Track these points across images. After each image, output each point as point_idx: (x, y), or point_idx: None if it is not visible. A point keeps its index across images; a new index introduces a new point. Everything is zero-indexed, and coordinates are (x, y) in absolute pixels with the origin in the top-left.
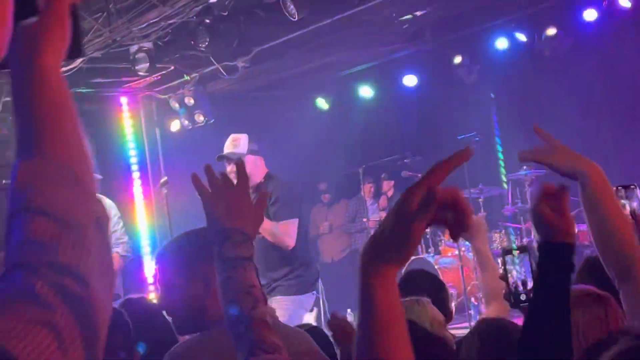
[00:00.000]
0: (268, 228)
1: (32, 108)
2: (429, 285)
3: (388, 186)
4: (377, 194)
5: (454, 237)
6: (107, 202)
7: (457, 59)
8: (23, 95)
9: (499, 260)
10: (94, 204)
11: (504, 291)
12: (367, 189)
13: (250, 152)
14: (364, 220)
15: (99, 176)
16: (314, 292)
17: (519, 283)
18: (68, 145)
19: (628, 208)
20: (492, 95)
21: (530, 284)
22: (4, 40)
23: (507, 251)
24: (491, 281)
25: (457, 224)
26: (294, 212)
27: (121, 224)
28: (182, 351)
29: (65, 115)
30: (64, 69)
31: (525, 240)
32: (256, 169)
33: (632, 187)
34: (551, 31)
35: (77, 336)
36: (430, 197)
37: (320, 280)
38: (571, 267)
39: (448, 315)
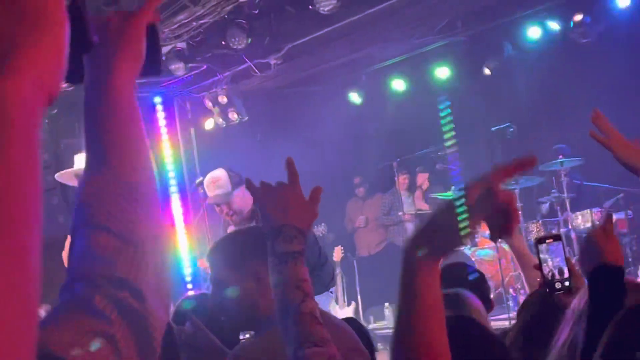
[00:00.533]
0: None
1: (102, 127)
2: (472, 280)
3: (422, 179)
4: (412, 187)
5: (495, 238)
6: None
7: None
8: (94, 114)
9: (534, 249)
10: (156, 221)
11: (539, 280)
12: (401, 181)
13: (235, 185)
14: (400, 213)
15: None
16: (331, 291)
17: (555, 271)
18: (134, 164)
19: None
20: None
21: (565, 272)
22: (58, 80)
23: (540, 240)
24: (534, 277)
25: (504, 228)
26: None
27: None
28: (238, 353)
29: (133, 134)
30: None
31: (561, 231)
32: (243, 201)
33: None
34: (581, 18)
35: (134, 349)
36: (489, 195)
37: (356, 274)
38: (623, 289)
39: (489, 306)
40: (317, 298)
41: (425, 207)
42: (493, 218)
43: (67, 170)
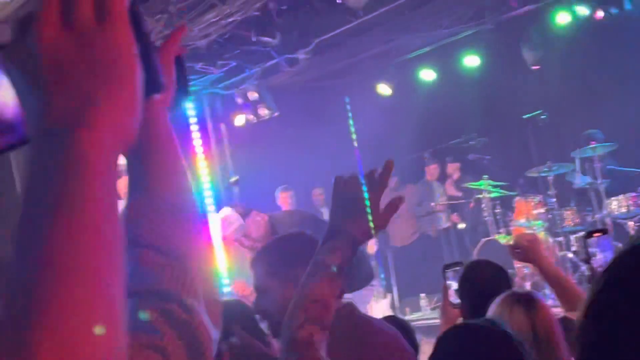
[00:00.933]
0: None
1: (142, 156)
2: (493, 273)
3: (453, 169)
4: (442, 177)
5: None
6: None
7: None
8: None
9: (577, 243)
10: (196, 238)
11: (587, 274)
12: (431, 171)
13: (243, 216)
14: (432, 204)
15: None
16: (372, 284)
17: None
18: (172, 187)
19: None
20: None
21: None
22: (134, 128)
23: (588, 234)
24: (570, 295)
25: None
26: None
27: None
28: None
29: (171, 160)
30: None
31: (597, 217)
32: (258, 227)
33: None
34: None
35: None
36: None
37: (391, 266)
38: None
39: None
40: (358, 292)
41: (457, 194)
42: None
43: None
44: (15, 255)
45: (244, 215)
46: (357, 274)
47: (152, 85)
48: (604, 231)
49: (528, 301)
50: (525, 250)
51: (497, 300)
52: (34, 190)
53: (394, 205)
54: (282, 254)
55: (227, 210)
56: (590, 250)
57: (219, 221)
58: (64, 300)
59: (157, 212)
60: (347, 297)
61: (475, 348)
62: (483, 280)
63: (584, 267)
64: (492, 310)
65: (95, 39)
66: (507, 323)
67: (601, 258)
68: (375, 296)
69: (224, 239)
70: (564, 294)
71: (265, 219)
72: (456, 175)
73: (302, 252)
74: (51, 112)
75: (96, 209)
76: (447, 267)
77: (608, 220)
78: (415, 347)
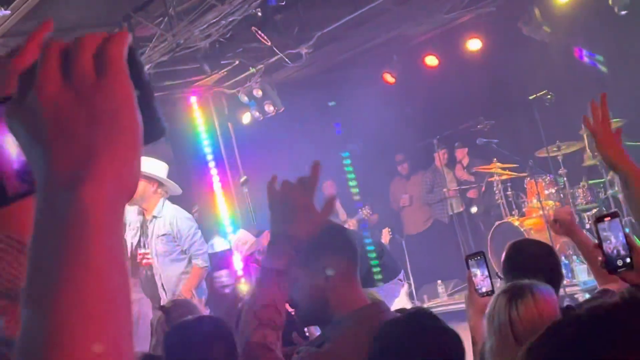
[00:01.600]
0: None
1: None
2: (540, 251)
3: (462, 154)
4: (451, 163)
5: None
6: (185, 214)
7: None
8: None
9: (592, 228)
10: None
11: (600, 259)
12: (439, 156)
13: (256, 234)
14: (444, 190)
15: (179, 190)
16: (400, 278)
17: (619, 249)
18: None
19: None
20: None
21: (627, 250)
22: (136, 179)
23: (599, 219)
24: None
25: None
26: None
27: (199, 234)
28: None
29: None
30: None
31: (608, 193)
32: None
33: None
34: None
35: None
36: None
37: (406, 254)
38: None
39: (561, 279)
40: (387, 287)
41: (468, 178)
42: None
43: None
44: (25, 318)
45: (258, 235)
46: (384, 267)
47: (153, 132)
48: (613, 214)
49: (514, 294)
50: (567, 224)
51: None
52: (41, 249)
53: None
54: (311, 242)
55: (241, 233)
56: (603, 234)
57: (235, 243)
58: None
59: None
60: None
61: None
62: (528, 259)
63: None
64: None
65: (95, 93)
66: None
67: (613, 242)
68: (403, 292)
69: (244, 261)
70: (596, 265)
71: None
72: (465, 160)
73: (329, 242)
74: (53, 167)
75: (103, 263)
76: (470, 257)
77: (620, 197)
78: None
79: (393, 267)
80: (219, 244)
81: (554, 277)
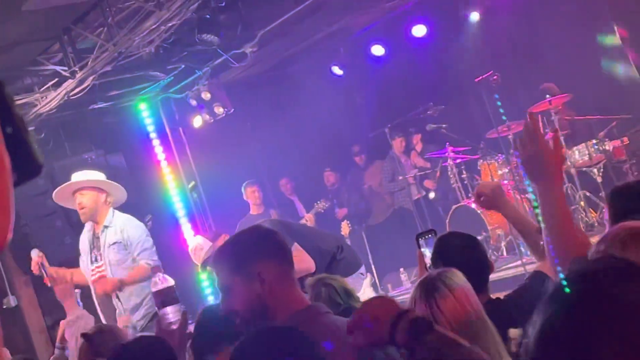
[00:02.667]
0: None
1: None
2: (462, 243)
3: (416, 140)
4: (408, 150)
5: None
6: (136, 222)
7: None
8: None
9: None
10: None
11: (542, 243)
12: (397, 144)
13: (212, 239)
14: (400, 178)
15: (125, 196)
16: (361, 271)
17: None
18: None
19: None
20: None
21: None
22: (6, 233)
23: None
24: (537, 238)
25: None
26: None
27: (150, 242)
28: None
29: None
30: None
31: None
32: None
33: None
34: None
35: None
36: None
37: (367, 245)
38: None
39: (489, 269)
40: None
41: (424, 164)
42: None
43: (63, 185)
44: None
45: (214, 240)
46: (344, 261)
47: (29, 169)
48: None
49: (429, 291)
50: (489, 197)
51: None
52: None
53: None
54: (241, 250)
55: (197, 239)
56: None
57: (191, 252)
58: None
59: None
60: None
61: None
62: (454, 252)
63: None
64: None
65: None
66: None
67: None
68: (365, 285)
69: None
70: (530, 238)
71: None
72: (419, 146)
73: (261, 245)
74: None
75: None
76: (420, 235)
77: (573, 171)
78: None
79: (354, 261)
80: (159, 282)
81: (482, 267)
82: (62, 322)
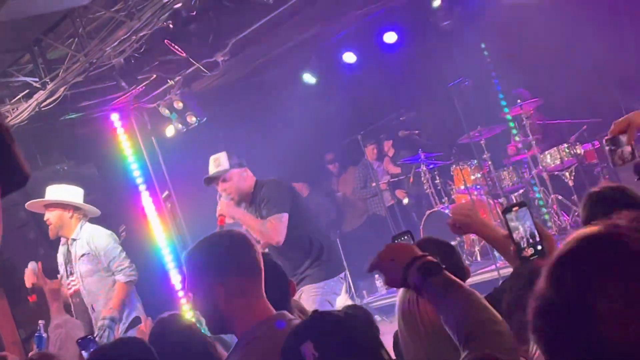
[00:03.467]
0: (255, 226)
1: None
2: (438, 250)
3: (387, 146)
4: (381, 156)
5: None
6: (102, 232)
7: (436, 3)
8: None
9: (501, 219)
10: None
11: (512, 248)
12: (369, 151)
13: (233, 166)
14: (373, 184)
15: (97, 211)
16: (342, 275)
17: (528, 238)
18: None
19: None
20: (483, 46)
21: (537, 237)
22: None
23: (506, 210)
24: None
25: None
26: (281, 207)
27: (119, 249)
28: None
29: None
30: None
31: (533, 173)
32: (242, 180)
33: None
34: None
35: None
36: None
37: (341, 252)
38: None
39: (465, 275)
40: (331, 283)
41: (396, 170)
42: None
43: (36, 200)
44: None
45: (234, 165)
46: (332, 260)
47: (14, 179)
48: (521, 204)
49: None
50: (464, 224)
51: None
52: None
53: None
54: (207, 260)
55: (220, 154)
56: (512, 224)
57: (210, 160)
58: None
59: None
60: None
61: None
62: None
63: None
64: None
65: None
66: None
67: (522, 231)
68: (343, 291)
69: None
70: (508, 255)
71: (254, 180)
72: (391, 152)
73: (228, 258)
74: None
75: None
76: (396, 237)
77: (544, 175)
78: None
79: (340, 263)
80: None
81: (458, 273)
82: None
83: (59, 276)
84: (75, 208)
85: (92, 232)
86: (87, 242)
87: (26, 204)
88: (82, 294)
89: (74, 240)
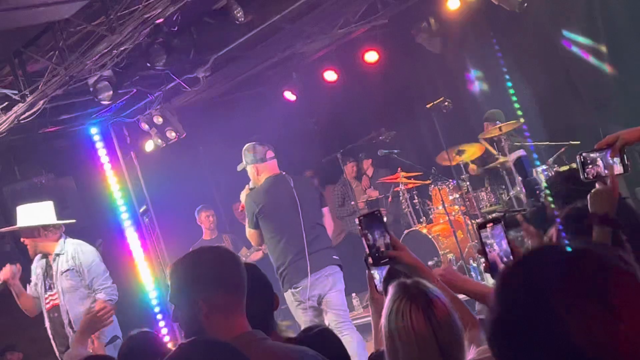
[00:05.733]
0: None
1: None
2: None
3: (367, 165)
4: (360, 174)
5: None
6: (88, 248)
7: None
8: None
9: (476, 235)
10: None
11: (483, 265)
12: (349, 169)
13: (251, 162)
14: (352, 203)
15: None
16: (297, 286)
17: (501, 255)
18: None
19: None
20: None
21: (510, 255)
22: None
23: (480, 225)
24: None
25: None
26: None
27: (102, 268)
28: None
29: None
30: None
31: (511, 194)
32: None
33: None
34: None
35: None
36: None
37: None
38: None
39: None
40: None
41: (374, 194)
42: None
43: (10, 227)
44: None
45: (250, 162)
46: (286, 273)
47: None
48: (495, 220)
49: (426, 303)
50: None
51: (391, 293)
52: None
53: None
54: (191, 275)
55: (248, 145)
56: (486, 241)
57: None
58: None
59: None
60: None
61: None
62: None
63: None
64: (388, 307)
65: None
66: (406, 328)
67: (496, 248)
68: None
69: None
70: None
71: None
72: (370, 171)
73: (211, 274)
74: None
75: None
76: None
77: (522, 196)
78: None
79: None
80: None
81: None
82: None
83: (28, 287)
84: (44, 227)
85: (76, 248)
86: (71, 257)
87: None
88: (61, 310)
89: (57, 255)
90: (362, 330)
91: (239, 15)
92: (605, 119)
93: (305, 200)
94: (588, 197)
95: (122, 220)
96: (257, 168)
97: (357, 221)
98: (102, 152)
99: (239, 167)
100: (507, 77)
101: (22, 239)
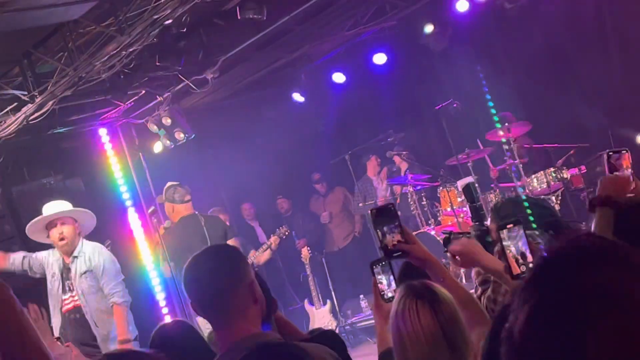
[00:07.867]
0: None
1: None
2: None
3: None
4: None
5: None
6: (105, 251)
7: (429, 28)
8: None
9: (495, 236)
10: None
11: (504, 265)
12: (372, 164)
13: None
14: (370, 202)
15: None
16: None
17: (518, 256)
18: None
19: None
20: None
21: (529, 256)
22: None
23: (501, 227)
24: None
25: None
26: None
27: (114, 271)
28: None
29: None
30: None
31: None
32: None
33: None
34: None
35: None
36: None
37: (327, 271)
38: None
39: None
40: None
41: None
42: None
43: (37, 218)
44: None
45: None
46: None
47: None
48: (515, 222)
49: (432, 299)
50: (462, 257)
51: (398, 295)
52: None
53: None
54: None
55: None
56: (505, 242)
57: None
58: None
59: None
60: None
61: None
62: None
63: None
64: (396, 306)
65: None
66: (414, 324)
67: (514, 249)
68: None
69: None
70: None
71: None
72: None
73: (232, 269)
74: None
75: None
76: (375, 263)
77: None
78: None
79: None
80: None
81: None
82: None
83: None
84: (79, 224)
85: (93, 249)
86: (89, 259)
87: (27, 229)
88: (85, 311)
89: (75, 257)
90: (371, 332)
91: (250, 15)
92: (614, 121)
93: (215, 238)
94: (598, 181)
95: (131, 221)
96: (174, 207)
97: (370, 214)
98: (110, 153)
99: (159, 200)
100: (514, 78)
101: (60, 232)
